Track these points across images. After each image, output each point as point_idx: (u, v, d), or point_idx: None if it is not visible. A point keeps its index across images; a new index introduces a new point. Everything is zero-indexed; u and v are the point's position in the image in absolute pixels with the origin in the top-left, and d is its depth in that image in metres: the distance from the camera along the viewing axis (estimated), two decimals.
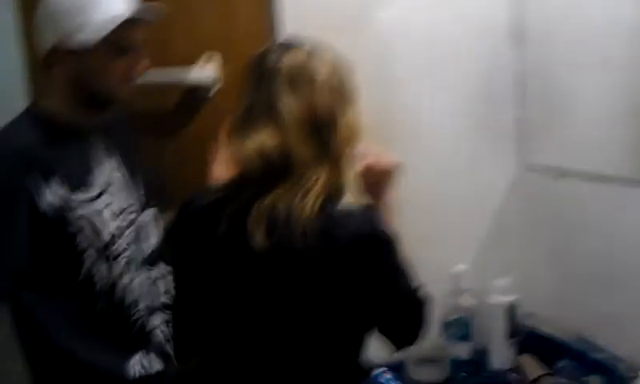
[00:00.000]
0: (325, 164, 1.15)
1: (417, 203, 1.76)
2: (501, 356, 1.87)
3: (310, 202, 1.11)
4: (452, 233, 1.92)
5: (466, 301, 1.88)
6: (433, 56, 1.91)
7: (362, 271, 1.17)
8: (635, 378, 1.49)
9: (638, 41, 1.56)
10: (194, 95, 1.84)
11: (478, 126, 1.97)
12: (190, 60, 1.81)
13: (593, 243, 1.74)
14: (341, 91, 1.19)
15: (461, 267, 1.88)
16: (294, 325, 1.20)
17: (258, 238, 1.13)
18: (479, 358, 1.89)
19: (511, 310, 1.86)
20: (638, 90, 1.58)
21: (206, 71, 1.82)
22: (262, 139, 1.13)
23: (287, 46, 1.21)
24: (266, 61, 1.19)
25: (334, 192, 1.15)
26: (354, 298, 1.19)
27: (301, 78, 1.16)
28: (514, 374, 1.83)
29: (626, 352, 1.64)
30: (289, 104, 1.14)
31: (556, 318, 1.88)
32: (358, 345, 1.27)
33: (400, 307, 1.25)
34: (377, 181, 1.32)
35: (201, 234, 1.22)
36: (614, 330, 1.69)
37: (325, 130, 1.15)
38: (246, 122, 1.17)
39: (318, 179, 1.13)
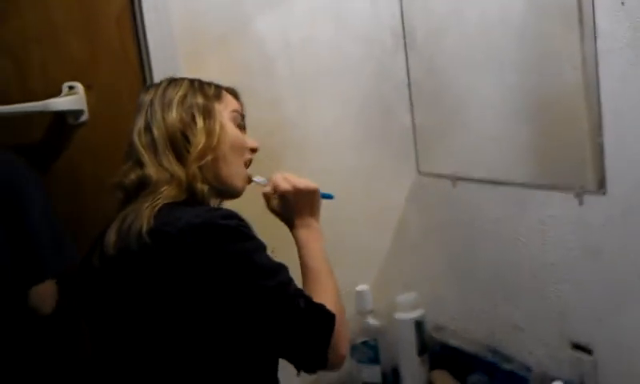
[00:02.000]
0: (177, 177, 1.17)
1: None
2: (412, 375, 1.80)
3: (149, 207, 1.11)
4: (351, 251, 1.83)
5: (372, 321, 1.79)
6: (316, 66, 1.84)
7: (198, 262, 1.06)
8: None
9: (529, 41, 1.51)
10: (60, 126, 1.69)
11: (371, 137, 1.91)
12: (53, 89, 1.66)
13: (494, 250, 1.69)
14: (190, 110, 1.23)
15: (363, 287, 1.80)
16: (146, 340, 1.11)
17: (109, 248, 1.12)
18: (391, 379, 1.81)
19: (419, 326, 1.79)
20: (530, 92, 1.53)
21: (69, 101, 1.66)
22: (123, 170, 1.21)
23: (159, 83, 1.29)
24: (139, 97, 1.27)
25: (186, 201, 1.16)
26: (201, 298, 1.07)
27: (154, 106, 1.23)
28: None
29: (534, 359, 1.59)
30: (140, 130, 1.22)
31: (465, 330, 1.82)
32: (242, 366, 1.13)
33: (267, 313, 1.09)
34: (302, 201, 1.32)
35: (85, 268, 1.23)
36: (522, 337, 1.64)
37: (177, 147, 1.20)
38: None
39: (165, 190, 1.15)
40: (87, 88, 1.68)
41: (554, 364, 1.52)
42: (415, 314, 1.79)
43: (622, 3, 1.24)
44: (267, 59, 1.79)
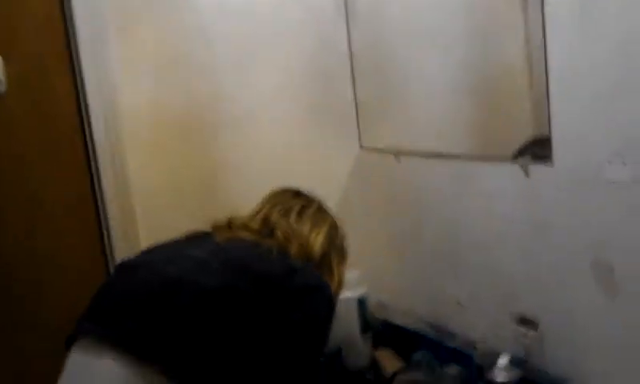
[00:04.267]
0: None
1: (250, 194, 1.60)
2: (356, 354, 1.76)
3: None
4: None
5: None
6: (254, 33, 1.76)
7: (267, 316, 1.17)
8: (491, 363, 1.42)
9: (472, 16, 1.48)
10: None
11: (311, 110, 1.85)
12: None
13: (439, 225, 1.66)
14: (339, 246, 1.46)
15: None
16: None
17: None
18: (334, 359, 1.76)
19: (362, 304, 1.75)
20: (474, 65, 1.50)
21: None
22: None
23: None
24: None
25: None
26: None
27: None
28: (371, 371, 1.72)
29: (480, 335, 1.56)
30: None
31: (409, 307, 1.80)
32: None
33: None
34: None
35: None
36: (467, 313, 1.62)
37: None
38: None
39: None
40: (5, 59, 1.56)
41: (500, 340, 1.50)
42: (358, 291, 1.75)
43: None
44: (201, 26, 1.70)
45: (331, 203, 1.87)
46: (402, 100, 1.73)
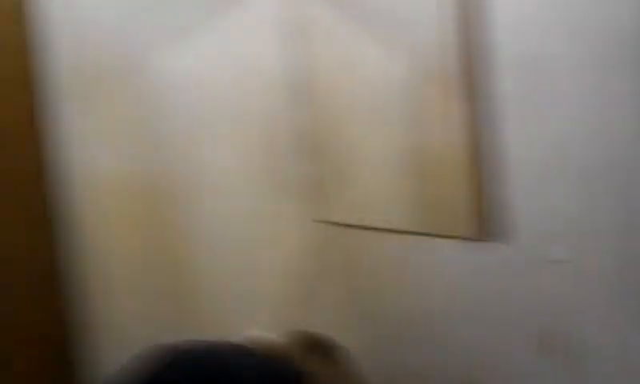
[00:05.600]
0: None
1: (206, 268, 1.64)
2: None
3: None
4: (242, 295, 1.81)
5: None
6: (211, 108, 1.81)
7: None
8: None
9: (414, 102, 1.59)
10: None
11: (267, 182, 1.90)
12: None
13: (390, 296, 1.73)
14: None
15: (253, 333, 1.76)
16: None
17: None
18: None
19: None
20: (413, 148, 1.61)
21: None
22: None
23: None
24: None
25: None
26: None
27: None
28: None
29: None
30: None
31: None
32: None
33: None
34: None
35: None
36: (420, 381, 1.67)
37: None
38: None
39: None
40: None
41: None
42: None
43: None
44: (162, 95, 1.74)
45: (284, 272, 1.91)
46: (348, 177, 1.81)
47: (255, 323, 1.75)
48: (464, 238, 1.48)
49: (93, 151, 1.65)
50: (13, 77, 1.60)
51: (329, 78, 1.85)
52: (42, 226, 1.63)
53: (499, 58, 1.39)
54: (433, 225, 1.59)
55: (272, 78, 1.90)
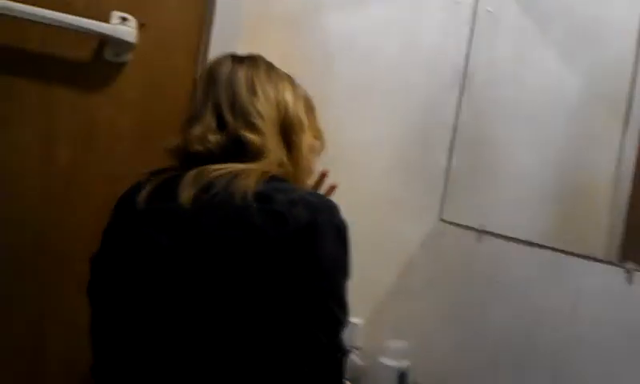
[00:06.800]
0: (283, 160, 1.15)
1: None
2: None
3: (256, 173, 1.06)
4: (352, 279, 1.70)
5: (357, 359, 1.68)
6: (373, 79, 1.75)
7: (294, 251, 1.01)
8: None
9: (580, 123, 1.50)
10: (100, 56, 1.52)
11: (402, 168, 1.81)
12: (95, 12, 1.48)
13: (508, 314, 1.56)
14: (307, 100, 1.26)
15: (356, 320, 1.67)
16: (227, 312, 1.01)
17: (185, 194, 1.03)
18: None
19: (402, 377, 1.65)
20: (572, 171, 1.51)
21: (120, 31, 1.49)
22: (210, 127, 1.13)
23: (242, 58, 1.22)
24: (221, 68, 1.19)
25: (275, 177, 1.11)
26: (276, 280, 1.01)
27: (272, 80, 1.19)
28: None
29: None
30: (262, 103, 1.15)
31: None
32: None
33: (314, 321, 1.04)
34: None
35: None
36: None
37: (291, 131, 1.18)
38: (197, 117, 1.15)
39: (272, 163, 1.12)
40: (140, 25, 1.52)
41: None
42: (401, 363, 1.66)
43: None
44: (327, 57, 1.71)
45: (399, 266, 1.83)
46: (491, 178, 1.71)
47: (355, 309, 1.66)
48: (607, 262, 1.31)
49: None
50: None
51: (494, 74, 1.75)
52: None
53: None
54: (573, 245, 1.43)
55: (437, 58, 1.81)
